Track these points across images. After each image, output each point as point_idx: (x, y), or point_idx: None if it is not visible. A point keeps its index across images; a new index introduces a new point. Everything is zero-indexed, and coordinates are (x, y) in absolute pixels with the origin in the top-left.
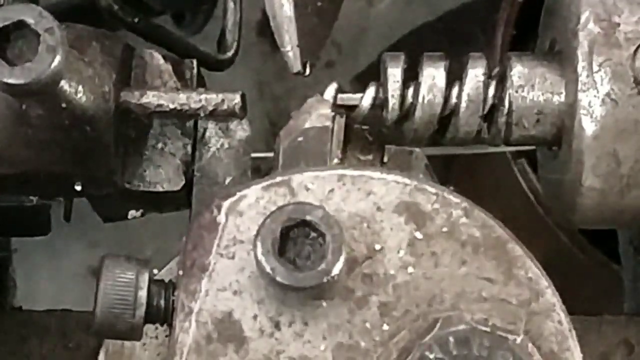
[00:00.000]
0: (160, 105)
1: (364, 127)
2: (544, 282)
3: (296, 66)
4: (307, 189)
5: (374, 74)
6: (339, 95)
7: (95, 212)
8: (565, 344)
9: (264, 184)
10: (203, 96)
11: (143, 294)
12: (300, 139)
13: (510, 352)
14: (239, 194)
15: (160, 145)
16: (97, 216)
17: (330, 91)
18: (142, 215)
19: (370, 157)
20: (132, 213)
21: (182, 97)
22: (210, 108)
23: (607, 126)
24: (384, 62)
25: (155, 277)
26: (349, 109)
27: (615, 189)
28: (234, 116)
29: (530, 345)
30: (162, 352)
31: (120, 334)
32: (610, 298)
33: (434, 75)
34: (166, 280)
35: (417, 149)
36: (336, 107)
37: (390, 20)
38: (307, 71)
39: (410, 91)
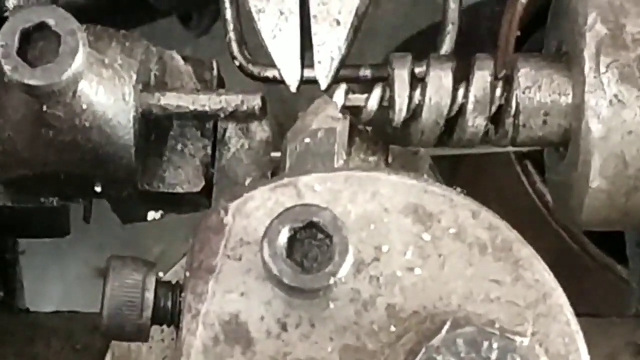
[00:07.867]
0: (180, 107)
1: (368, 127)
2: (551, 284)
3: (294, 86)
4: (314, 191)
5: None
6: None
7: (115, 214)
8: (573, 345)
9: (271, 185)
10: (223, 97)
11: (150, 295)
12: (307, 140)
13: (518, 353)
14: (245, 196)
15: (180, 146)
16: (104, 218)
17: (340, 93)
18: (162, 216)
19: (374, 157)
20: (151, 214)
21: (202, 98)
22: (230, 109)
23: (614, 127)
24: (390, 62)
25: (162, 279)
26: (355, 110)
27: (622, 191)
28: (254, 117)
29: (537, 346)
30: (168, 354)
31: (127, 336)
32: (614, 300)
33: (440, 76)
34: (173, 282)
35: (422, 149)
36: (343, 108)
37: (396, 21)
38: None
39: (417, 92)
